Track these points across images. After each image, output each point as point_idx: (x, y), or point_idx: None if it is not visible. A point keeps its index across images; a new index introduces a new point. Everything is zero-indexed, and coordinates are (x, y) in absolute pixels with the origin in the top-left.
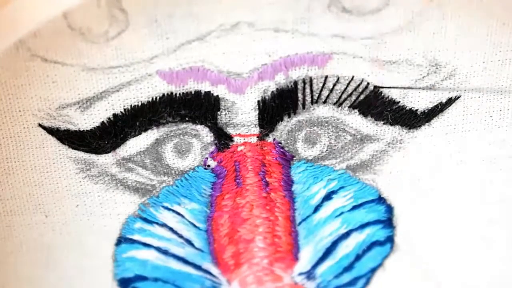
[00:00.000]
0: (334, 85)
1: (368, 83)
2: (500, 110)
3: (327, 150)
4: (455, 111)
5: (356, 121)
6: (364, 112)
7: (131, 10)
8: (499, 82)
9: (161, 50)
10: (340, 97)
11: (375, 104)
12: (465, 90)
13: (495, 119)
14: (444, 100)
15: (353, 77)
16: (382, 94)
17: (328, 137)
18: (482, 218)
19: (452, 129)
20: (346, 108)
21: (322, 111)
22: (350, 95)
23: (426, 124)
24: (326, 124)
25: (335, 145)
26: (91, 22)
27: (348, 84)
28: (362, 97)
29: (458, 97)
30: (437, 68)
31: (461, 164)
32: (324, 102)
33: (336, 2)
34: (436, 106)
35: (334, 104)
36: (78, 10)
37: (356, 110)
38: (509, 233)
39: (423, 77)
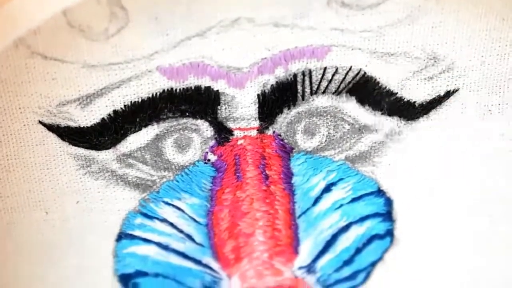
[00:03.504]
0: (333, 75)
1: (365, 72)
2: (499, 104)
3: (326, 140)
4: (453, 104)
5: (354, 109)
6: (361, 100)
7: (131, 7)
8: (497, 76)
9: (161, 47)
10: (339, 86)
11: (373, 93)
12: (463, 84)
13: (494, 113)
14: (442, 93)
15: (351, 67)
16: (380, 84)
17: (327, 127)
18: (481, 212)
19: (451, 122)
20: (344, 95)
21: (321, 101)
22: (348, 84)
23: (425, 116)
24: (324, 114)
25: (333, 135)
26: (91, 20)
27: (347, 73)
28: (359, 85)
29: (456, 90)
30: (435, 61)
31: (459, 158)
32: (323, 92)
33: None
34: (434, 98)
35: (333, 93)
36: (78, 7)
37: (353, 97)
38: (509, 227)
39: (421, 69)
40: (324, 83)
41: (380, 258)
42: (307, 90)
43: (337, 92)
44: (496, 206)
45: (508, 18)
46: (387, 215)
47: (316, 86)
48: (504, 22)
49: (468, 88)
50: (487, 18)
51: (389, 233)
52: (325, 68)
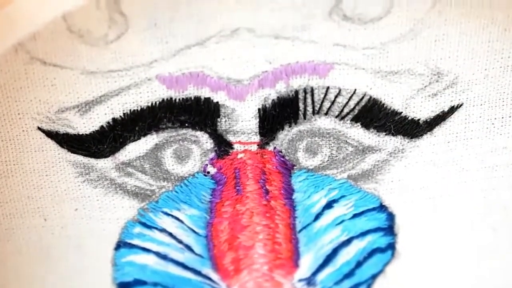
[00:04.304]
0: (336, 97)
1: (370, 97)
2: (502, 118)
3: (328, 160)
4: (457, 119)
5: (358, 134)
6: (366, 125)
7: (131, 13)
8: (500, 89)
9: (160, 54)
10: (342, 110)
11: (378, 117)
12: (467, 98)
13: (497, 127)
14: (446, 109)
15: (355, 90)
16: (385, 106)
17: (330, 148)
18: (484, 225)
19: (454, 137)
20: (348, 121)
21: (324, 122)
22: (353, 109)
23: (428, 133)
24: (327, 136)
25: (336, 156)
26: (90, 25)
27: (350, 97)
28: (364, 111)
29: (460, 105)
30: (439, 76)
31: (463, 171)
32: (326, 113)
33: (337, 10)
34: (438, 115)
35: (336, 117)
36: (77, 13)
37: (358, 124)
38: (511, 240)
39: (425, 86)
40: (326, 104)
41: (381, 271)
42: (309, 109)
43: (341, 117)
44: (500, 219)
45: (510, 29)
46: (389, 230)
47: (318, 106)
48: (506, 33)
49: (472, 103)
50: (489, 29)
51: (391, 247)
52: (327, 88)
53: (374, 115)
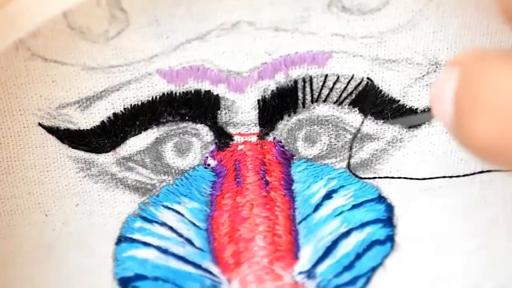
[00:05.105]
0: (334, 83)
1: (368, 82)
2: None
3: (327, 148)
4: None
5: (356, 120)
6: (364, 111)
7: (131, 9)
8: None
9: (161, 49)
10: (340, 95)
11: (375, 103)
12: None
13: None
14: None
15: (353, 75)
16: (382, 93)
17: (328, 136)
18: (483, 217)
19: None
20: (346, 106)
21: (322, 109)
22: (351, 93)
23: (426, 123)
24: (326, 123)
25: (335, 144)
26: (91, 22)
27: (348, 82)
28: (362, 95)
29: None
30: (437, 66)
31: (461, 162)
32: (324, 101)
33: (336, 1)
34: None
35: (334, 103)
36: (78, 9)
37: (356, 109)
38: (510, 232)
39: (423, 75)
40: (325, 91)
41: (380, 264)
42: (308, 97)
43: (339, 102)
44: (498, 210)
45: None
46: (388, 221)
47: (317, 94)
48: (505, 26)
49: None
50: (487, 22)
51: (390, 239)
52: (326, 76)
53: (371, 100)
